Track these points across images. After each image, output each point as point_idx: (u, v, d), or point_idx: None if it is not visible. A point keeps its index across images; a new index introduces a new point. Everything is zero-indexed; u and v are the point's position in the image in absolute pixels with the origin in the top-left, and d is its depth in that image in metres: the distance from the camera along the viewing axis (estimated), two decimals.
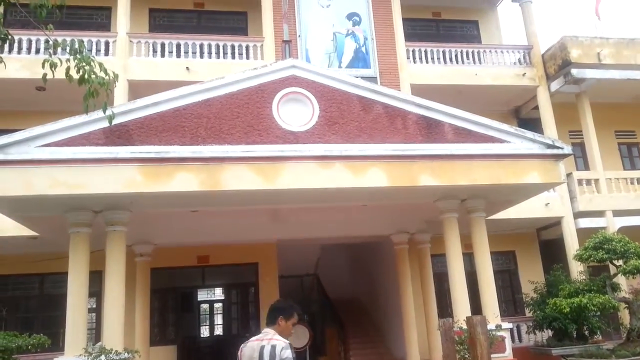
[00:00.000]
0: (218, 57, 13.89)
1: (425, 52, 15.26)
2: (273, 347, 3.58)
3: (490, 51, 15.89)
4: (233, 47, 14.07)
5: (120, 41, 13.48)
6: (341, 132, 8.89)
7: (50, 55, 4.31)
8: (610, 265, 12.15)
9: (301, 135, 8.73)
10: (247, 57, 14.01)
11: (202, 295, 15.72)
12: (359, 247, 17.07)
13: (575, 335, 11.83)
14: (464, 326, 8.22)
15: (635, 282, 12.89)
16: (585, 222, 14.60)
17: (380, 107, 9.21)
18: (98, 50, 13.28)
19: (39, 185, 7.75)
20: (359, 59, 14.64)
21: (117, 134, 8.11)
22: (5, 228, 10.99)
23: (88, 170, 7.89)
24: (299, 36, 14.34)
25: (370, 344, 15.25)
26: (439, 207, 10.11)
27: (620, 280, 12.39)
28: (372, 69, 14.58)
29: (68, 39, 4.47)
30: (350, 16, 14.93)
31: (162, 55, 13.71)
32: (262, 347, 3.61)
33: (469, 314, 9.30)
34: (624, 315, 12.65)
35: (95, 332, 13.12)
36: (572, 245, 14.22)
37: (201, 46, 13.90)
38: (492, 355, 7.60)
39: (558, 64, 15.39)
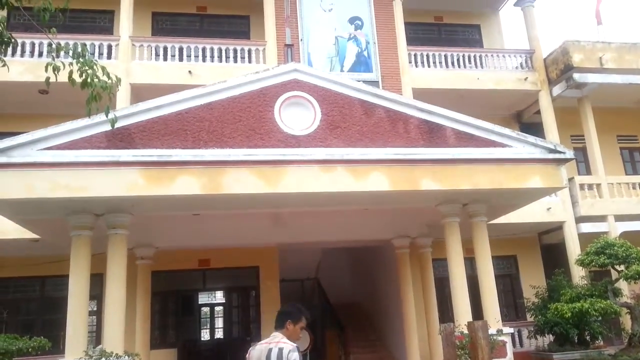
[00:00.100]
0: (220, 60, 13.92)
1: (427, 56, 15.28)
2: (280, 350, 3.64)
3: (492, 55, 15.90)
4: (235, 50, 14.11)
5: (122, 45, 13.51)
6: (343, 136, 8.90)
7: (53, 59, 4.32)
8: (612, 270, 12.13)
9: (303, 139, 8.74)
10: (250, 61, 14.05)
11: (202, 298, 15.72)
12: (360, 251, 17.05)
13: (576, 340, 11.79)
14: (465, 331, 8.21)
15: (637, 287, 12.86)
16: (587, 227, 14.57)
17: (382, 111, 9.22)
18: (101, 54, 13.33)
19: (41, 188, 7.76)
20: (361, 63, 14.66)
21: (119, 137, 8.13)
22: (6, 230, 11.01)
23: (90, 173, 7.90)
24: (301, 40, 14.37)
25: (371, 348, 15.22)
26: (441, 211, 10.10)
27: (622, 285, 12.35)
28: (374, 73, 14.60)
29: (71, 43, 4.48)
30: (352, 20, 14.96)
31: (165, 58, 13.75)
32: (270, 350, 3.67)
33: (470, 319, 9.28)
34: (626, 321, 12.61)
35: (95, 335, 13.11)
36: (573, 250, 14.19)
37: (204, 50, 13.93)
38: None
39: (560, 69, 15.39)
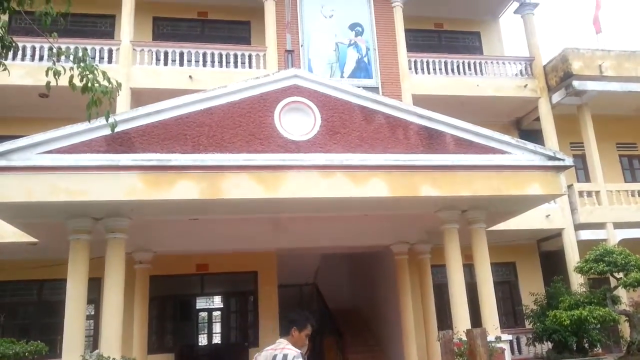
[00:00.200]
0: (221, 66, 13.95)
1: (427, 62, 15.32)
2: (285, 356, 3.65)
3: (492, 62, 15.96)
4: (236, 56, 14.14)
5: (123, 49, 13.54)
6: (342, 142, 8.91)
7: (54, 63, 4.33)
8: (611, 278, 12.12)
9: (303, 144, 8.75)
10: (250, 66, 14.07)
11: (200, 303, 15.67)
12: (359, 257, 17.04)
13: (575, 348, 11.76)
14: (464, 337, 8.20)
15: (635, 294, 12.85)
16: (585, 234, 14.58)
17: (381, 117, 9.23)
18: (101, 58, 13.35)
19: (41, 191, 7.76)
20: (361, 69, 14.70)
21: (119, 142, 8.13)
22: (4, 234, 10.99)
23: (89, 177, 7.90)
24: (302, 46, 14.41)
25: (370, 354, 15.18)
26: (440, 217, 10.11)
27: (621, 292, 12.35)
28: (374, 79, 14.64)
29: (72, 47, 4.50)
30: (352, 26, 15.01)
31: (165, 63, 13.78)
32: (275, 357, 3.69)
33: (469, 326, 9.28)
34: (624, 328, 12.59)
35: (93, 340, 13.07)
36: (572, 257, 14.19)
37: (204, 55, 13.96)
38: None
39: (559, 76, 15.43)
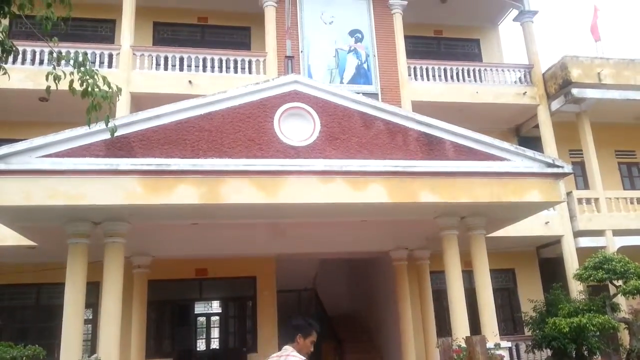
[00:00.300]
0: (221, 71, 13.98)
1: (427, 69, 15.36)
2: None
3: (491, 69, 16.00)
4: (236, 61, 14.16)
5: (123, 54, 13.57)
6: (342, 148, 8.92)
7: (54, 68, 4.34)
8: (610, 285, 12.10)
9: (302, 150, 8.76)
10: (250, 72, 14.10)
11: (199, 308, 15.65)
12: (358, 263, 17.02)
13: (574, 355, 11.71)
14: (463, 344, 8.18)
15: (635, 302, 12.83)
16: (585, 242, 14.57)
17: (381, 123, 9.25)
18: (102, 63, 13.37)
19: (39, 195, 7.77)
20: (361, 76, 14.73)
21: (118, 146, 8.14)
22: (3, 237, 10.98)
23: (88, 181, 7.91)
24: (302, 52, 14.44)
25: None
26: (439, 224, 10.11)
27: (620, 300, 12.32)
28: (373, 86, 14.67)
29: (72, 51, 4.52)
30: (352, 33, 15.05)
31: (165, 68, 13.80)
32: None
33: (468, 332, 9.26)
34: (624, 336, 12.56)
35: (91, 344, 13.03)
36: (571, 264, 14.18)
37: (204, 60, 13.99)
38: None
39: (558, 84, 15.47)
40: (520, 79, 16.14)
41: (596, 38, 16.80)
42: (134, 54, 13.71)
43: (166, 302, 14.34)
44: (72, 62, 4.36)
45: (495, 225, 11.01)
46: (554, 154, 14.13)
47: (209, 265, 13.92)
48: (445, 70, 15.43)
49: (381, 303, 15.66)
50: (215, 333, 15.97)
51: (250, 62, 14.27)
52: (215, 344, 15.68)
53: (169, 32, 16.03)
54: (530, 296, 14.08)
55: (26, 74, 12.42)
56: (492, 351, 8.91)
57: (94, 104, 4.42)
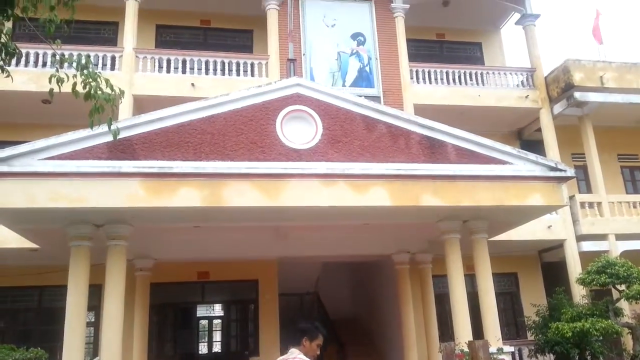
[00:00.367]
0: (223, 74, 13.98)
1: (429, 72, 15.36)
2: None
3: (493, 73, 16.00)
4: (238, 64, 14.18)
5: (126, 56, 13.59)
6: (344, 151, 8.91)
7: (57, 71, 4.35)
8: (613, 290, 12.06)
9: (304, 153, 8.76)
10: (252, 75, 14.11)
11: (201, 311, 15.62)
12: (360, 266, 16.99)
13: None
14: (466, 348, 8.15)
15: (638, 307, 12.78)
16: (587, 245, 14.52)
17: (383, 126, 9.25)
18: (104, 65, 13.39)
19: (42, 198, 7.77)
20: (363, 79, 14.73)
21: (121, 148, 8.14)
22: (5, 240, 10.99)
23: (91, 183, 7.91)
24: (304, 55, 14.45)
25: None
26: (441, 227, 10.08)
27: (623, 305, 12.29)
28: (375, 89, 14.67)
29: (75, 54, 4.52)
30: (354, 36, 15.07)
31: (168, 71, 13.82)
32: None
33: (471, 336, 9.23)
34: (627, 341, 12.52)
35: (93, 347, 13.02)
36: (574, 268, 14.13)
37: (206, 63, 14.01)
38: None
39: (561, 87, 15.46)
40: (522, 82, 16.13)
41: (598, 41, 16.78)
42: (136, 56, 13.74)
43: (168, 305, 14.33)
44: (75, 64, 4.37)
45: (498, 229, 10.99)
46: (557, 158, 14.10)
47: (211, 268, 13.91)
48: (447, 73, 15.43)
49: (383, 307, 15.63)
50: (217, 336, 15.93)
51: (252, 64, 14.29)
52: (217, 347, 15.64)
53: (172, 35, 16.06)
54: (533, 300, 14.05)
55: (29, 76, 12.47)
56: (495, 356, 8.87)
57: (97, 106, 4.43)
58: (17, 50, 4.46)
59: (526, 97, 15.66)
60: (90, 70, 4.37)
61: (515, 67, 17.12)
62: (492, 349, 8.71)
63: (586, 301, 12.58)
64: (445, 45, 17.97)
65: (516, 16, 17.13)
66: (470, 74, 15.62)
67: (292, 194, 8.47)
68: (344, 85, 14.44)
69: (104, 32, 15.62)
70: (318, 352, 3.89)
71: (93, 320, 13.22)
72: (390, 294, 14.68)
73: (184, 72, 13.83)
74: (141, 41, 14.55)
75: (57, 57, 4.55)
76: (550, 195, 9.51)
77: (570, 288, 13.86)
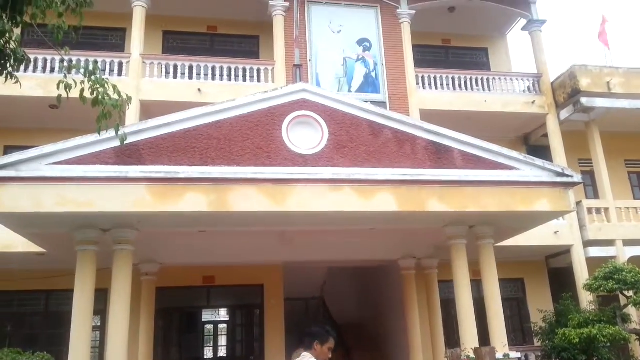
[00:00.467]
0: (230, 79, 14.04)
1: (435, 78, 15.36)
2: None
3: (499, 78, 15.97)
4: (244, 70, 14.23)
5: (133, 62, 13.68)
6: (350, 156, 8.92)
7: (65, 77, 4.38)
8: (621, 296, 11.98)
9: (310, 158, 8.77)
10: (259, 80, 14.16)
11: (206, 315, 15.64)
12: (366, 271, 16.95)
13: None
14: (472, 355, 8.12)
15: None
16: (594, 251, 14.43)
17: (389, 132, 9.25)
18: (112, 71, 13.48)
19: (49, 202, 7.81)
20: (369, 84, 14.75)
21: (128, 154, 8.18)
22: (13, 244, 11.05)
23: (97, 188, 7.95)
24: (310, 60, 14.49)
25: None
26: (447, 233, 10.06)
27: (631, 311, 12.19)
28: (381, 94, 14.68)
29: (83, 59, 4.57)
30: (360, 42, 15.10)
31: (175, 76, 13.89)
32: None
33: (477, 342, 9.19)
34: (635, 347, 12.43)
35: (99, 351, 13.04)
36: (581, 274, 14.04)
37: (213, 68, 14.07)
38: None
39: (567, 93, 15.41)
40: (528, 87, 16.11)
41: (605, 44, 16.71)
42: (143, 62, 13.82)
43: (174, 310, 14.35)
44: (83, 71, 4.40)
45: (504, 235, 10.95)
46: (564, 163, 14.04)
47: (217, 272, 13.91)
48: (453, 79, 15.42)
49: (389, 312, 15.58)
50: (222, 341, 15.94)
51: (259, 70, 14.34)
52: (222, 352, 15.64)
53: (179, 41, 16.15)
54: (540, 306, 13.97)
55: (37, 82, 12.56)
56: None
57: (104, 112, 4.45)
58: (26, 57, 4.50)
59: (533, 102, 15.62)
60: (98, 76, 4.41)
61: (521, 72, 17.09)
62: (499, 355, 8.68)
63: (593, 307, 12.50)
64: (451, 51, 17.97)
65: (522, 22, 17.12)
66: (477, 80, 15.61)
67: (298, 199, 8.48)
68: (349, 90, 14.47)
69: (112, 38, 15.73)
70: (330, 356, 3.90)
71: (99, 324, 13.24)
72: (396, 299, 14.63)
73: (190, 77, 13.89)
74: (148, 47, 14.64)
75: (65, 64, 4.59)
76: (557, 201, 9.47)
77: (577, 294, 13.77)
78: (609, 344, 11.31)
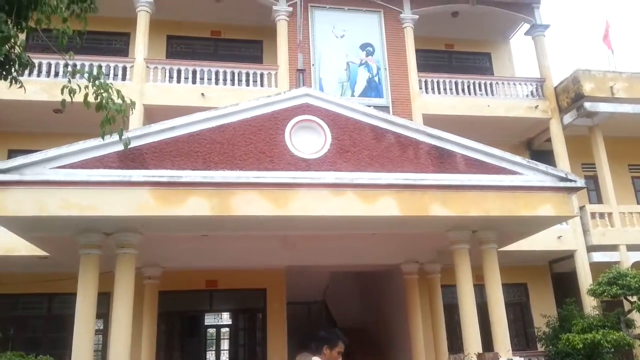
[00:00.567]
0: (233, 84, 14.08)
1: (438, 83, 15.37)
2: None
3: (502, 83, 15.97)
4: (248, 74, 14.27)
5: (137, 66, 13.73)
6: (353, 161, 8.93)
7: (69, 81, 4.40)
8: (624, 301, 11.93)
9: (313, 162, 8.78)
10: (262, 85, 14.19)
11: (209, 319, 15.62)
12: (368, 276, 16.92)
13: None
14: None
15: None
16: (598, 256, 14.39)
17: (392, 136, 9.25)
18: (115, 75, 13.53)
19: (52, 206, 7.84)
20: (372, 89, 14.77)
21: (131, 158, 8.21)
22: (16, 247, 11.09)
23: (101, 192, 7.97)
24: (313, 65, 14.52)
25: None
26: (450, 237, 10.04)
27: (635, 316, 12.15)
28: (384, 99, 14.70)
29: (87, 64, 4.60)
30: (363, 46, 15.13)
31: (178, 81, 13.93)
32: None
33: (480, 348, 9.16)
34: (639, 353, 12.36)
35: (101, 355, 13.05)
36: (585, 279, 14.00)
37: (217, 73, 14.11)
38: None
39: (571, 97, 15.40)
40: (532, 92, 16.10)
41: (609, 47, 16.68)
42: (147, 66, 13.87)
43: (176, 313, 14.35)
44: (87, 75, 4.42)
45: (507, 239, 10.92)
46: (567, 168, 14.02)
47: (219, 276, 13.92)
48: (456, 83, 15.44)
49: (392, 317, 15.54)
50: (225, 345, 15.91)
51: (262, 75, 14.38)
52: (225, 356, 15.62)
53: (183, 46, 16.21)
54: (543, 311, 13.92)
55: (41, 86, 12.61)
56: None
57: (108, 117, 4.47)
58: (30, 62, 4.53)
59: (536, 107, 15.61)
60: (102, 81, 4.43)
61: (524, 77, 17.09)
62: None
63: (597, 312, 12.46)
64: (454, 56, 17.99)
65: (525, 26, 17.13)
66: (480, 84, 15.62)
67: (301, 204, 8.48)
68: (353, 95, 14.49)
69: (116, 43, 15.79)
70: None
71: (102, 327, 13.25)
72: (398, 304, 14.60)
73: (194, 82, 13.94)
74: (152, 52, 14.70)
75: (70, 68, 4.61)
76: (561, 206, 9.45)
77: (580, 299, 13.72)
78: (612, 350, 11.27)
